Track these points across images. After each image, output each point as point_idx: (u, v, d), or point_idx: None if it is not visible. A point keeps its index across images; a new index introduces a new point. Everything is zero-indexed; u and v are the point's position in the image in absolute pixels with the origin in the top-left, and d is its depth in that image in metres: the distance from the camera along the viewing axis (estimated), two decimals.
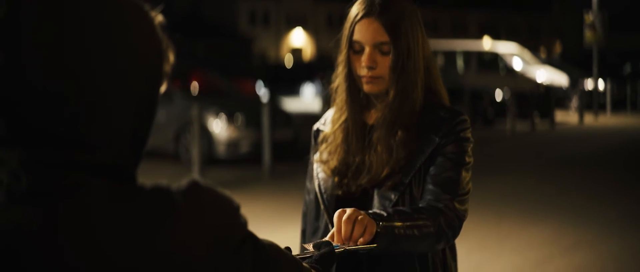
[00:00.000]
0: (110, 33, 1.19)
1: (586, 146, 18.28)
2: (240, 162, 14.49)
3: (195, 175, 11.79)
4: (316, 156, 2.67)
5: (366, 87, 2.53)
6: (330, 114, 2.70)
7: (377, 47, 2.49)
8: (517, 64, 28.19)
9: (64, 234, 1.15)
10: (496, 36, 63.35)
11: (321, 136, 2.68)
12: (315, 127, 2.75)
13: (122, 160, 1.21)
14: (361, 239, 2.21)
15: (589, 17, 28.44)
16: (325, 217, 2.59)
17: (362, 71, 2.51)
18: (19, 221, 1.16)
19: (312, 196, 2.67)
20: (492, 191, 11.85)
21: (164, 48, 1.27)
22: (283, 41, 65.57)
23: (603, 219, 9.92)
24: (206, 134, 14.09)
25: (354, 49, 2.52)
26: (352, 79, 2.54)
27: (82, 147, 1.17)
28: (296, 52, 64.01)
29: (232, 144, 14.36)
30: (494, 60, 28.49)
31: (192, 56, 32.69)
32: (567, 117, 26.45)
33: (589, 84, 29.29)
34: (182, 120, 13.94)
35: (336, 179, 2.57)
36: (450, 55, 29.31)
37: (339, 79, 2.59)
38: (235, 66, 25.43)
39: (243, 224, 1.29)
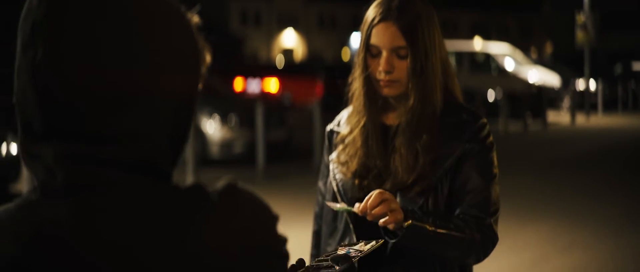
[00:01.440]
0: (150, 32, 1.19)
1: (579, 146, 18.33)
2: (234, 162, 14.46)
3: (189, 176, 11.77)
4: (332, 157, 2.67)
5: (384, 91, 2.53)
6: (344, 115, 2.70)
7: (394, 51, 2.49)
8: (509, 65, 28.25)
9: (94, 231, 1.14)
10: (487, 36, 63.43)
11: (338, 137, 2.67)
12: (329, 128, 2.74)
13: (157, 158, 1.19)
14: (382, 220, 2.32)
15: (581, 18, 28.50)
16: (345, 217, 2.58)
17: (380, 75, 2.51)
18: (51, 217, 1.15)
19: (329, 197, 2.65)
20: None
21: (200, 48, 1.26)
22: (274, 41, 65.57)
23: (599, 218, 9.95)
24: (200, 135, 14.07)
25: (371, 53, 2.53)
26: (369, 82, 2.54)
27: (117, 143, 1.16)
28: (287, 53, 64.01)
29: (225, 145, 14.34)
30: (486, 61, 28.54)
31: None
32: (559, 117, 26.52)
33: (580, 84, 29.36)
34: None
35: (356, 181, 2.57)
36: None
37: (356, 82, 2.59)
38: (227, 66, 25.43)
39: (283, 239, 1.25)
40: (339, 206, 2.45)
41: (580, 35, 28.48)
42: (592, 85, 29.49)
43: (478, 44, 33.03)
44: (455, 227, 2.44)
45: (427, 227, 2.38)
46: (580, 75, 29.89)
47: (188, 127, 1.25)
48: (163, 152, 1.20)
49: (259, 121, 12.93)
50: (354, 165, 2.56)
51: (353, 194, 2.55)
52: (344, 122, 2.69)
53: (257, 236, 1.20)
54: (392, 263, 2.50)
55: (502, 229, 8.79)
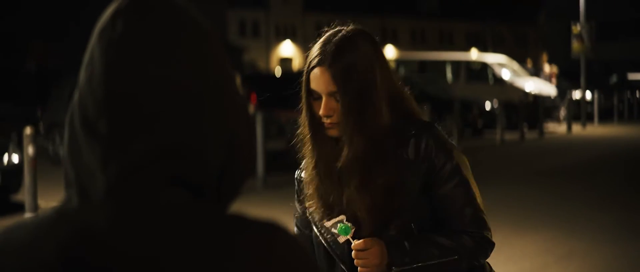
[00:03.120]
0: (211, 60, 1.25)
1: (575, 155, 18.38)
2: None
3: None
4: (298, 202, 2.70)
5: (329, 133, 2.52)
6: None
7: (332, 95, 2.48)
8: (506, 74, 28.31)
9: (130, 241, 1.17)
10: (483, 47, 63.46)
11: (302, 183, 2.67)
12: (296, 174, 2.73)
13: (205, 181, 1.22)
14: (361, 269, 2.45)
15: (577, 28, 28.58)
16: (340, 264, 2.58)
17: (322, 119, 2.50)
18: (90, 224, 1.18)
19: (320, 249, 2.63)
20: (485, 200, 11.89)
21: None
22: (273, 52, 65.61)
23: (596, 227, 9.98)
24: None
25: (313, 96, 2.52)
26: (316, 125, 2.53)
27: (167, 159, 1.19)
28: (285, 62, 64.03)
29: None
30: (483, 71, 28.60)
31: None
32: (556, 127, 26.57)
33: (576, 94, 29.44)
34: None
35: (325, 221, 2.57)
36: (439, 66, 29.41)
37: (302, 126, 2.58)
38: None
39: None
40: (338, 224, 2.49)
41: (575, 45, 28.56)
42: (588, 95, 29.56)
43: (474, 55, 33.08)
44: (444, 251, 2.48)
45: (414, 266, 2.44)
46: (577, 86, 29.94)
47: (243, 158, 1.27)
48: (211, 177, 1.22)
49: (258, 131, 12.99)
50: (315, 207, 2.57)
51: (334, 236, 2.56)
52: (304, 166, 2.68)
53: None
54: None
55: (500, 239, 8.79)
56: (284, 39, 66.37)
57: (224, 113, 1.24)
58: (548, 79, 30.41)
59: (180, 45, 1.22)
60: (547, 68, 31.77)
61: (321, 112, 2.48)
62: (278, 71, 44.57)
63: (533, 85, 28.12)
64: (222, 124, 1.23)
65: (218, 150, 1.23)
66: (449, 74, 28.79)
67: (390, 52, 67.04)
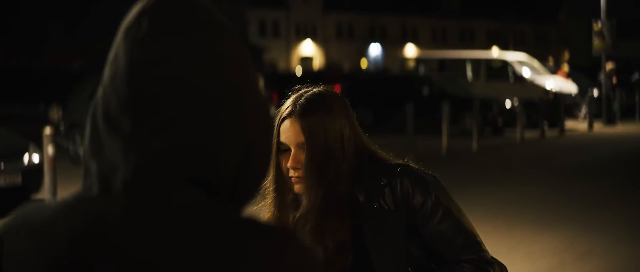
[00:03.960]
0: (223, 63, 1.26)
1: (596, 153, 18.30)
2: None
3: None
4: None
5: (296, 188, 2.51)
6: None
7: (301, 147, 2.49)
8: (526, 72, 28.22)
9: (142, 233, 1.19)
10: (504, 46, 63.31)
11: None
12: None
13: (221, 182, 1.24)
14: None
15: (598, 25, 28.45)
16: None
17: (289, 172, 2.49)
18: (104, 213, 1.21)
19: None
20: (503, 199, 11.89)
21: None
22: (293, 51, 65.69)
23: (616, 226, 9.94)
24: None
25: (281, 149, 2.51)
26: (281, 181, 2.53)
27: (186, 156, 1.22)
28: (306, 62, 64.09)
29: None
30: (503, 69, 28.51)
31: None
32: (576, 125, 26.46)
33: (597, 92, 29.28)
34: None
35: None
36: (459, 65, 29.35)
37: (267, 181, 2.56)
38: None
39: None
40: None
41: (596, 42, 28.41)
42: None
43: (495, 54, 33.00)
44: None
45: None
46: (598, 84, 29.79)
47: (259, 161, 1.28)
48: (226, 178, 1.24)
49: (275, 130, 13.01)
50: None
51: None
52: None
53: None
54: None
55: (519, 237, 8.78)
56: (304, 38, 66.42)
57: (242, 116, 1.26)
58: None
59: (203, 47, 1.25)
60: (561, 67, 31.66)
61: (289, 164, 2.48)
62: (299, 70, 44.69)
63: (553, 83, 28.01)
64: (240, 127, 1.25)
65: (235, 152, 1.25)
66: (469, 73, 28.72)
67: (410, 51, 67.00)
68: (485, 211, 10.60)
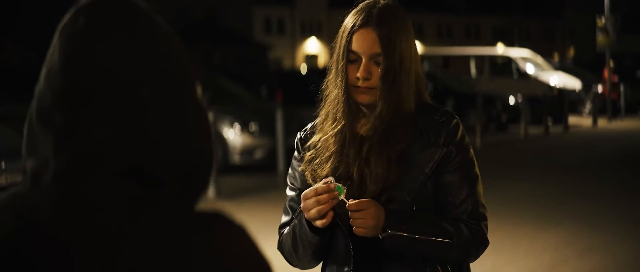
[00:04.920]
0: (159, 54, 1.28)
1: (600, 149, 18.27)
2: (255, 168, 14.57)
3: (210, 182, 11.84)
4: (302, 164, 2.65)
5: (360, 97, 2.54)
6: (315, 121, 2.69)
7: (373, 58, 2.51)
8: (530, 69, 28.18)
9: (73, 225, 1.19)
10: (510, 42, 63.18)
11: (308, 143, 2.65)
12: (300, 134, 2.72)
13: (157, 174, 1.24)
14: (354, 228, 2.44)
15: (601, 21, 28.39)
16: (346, 239, 2.56)
17: (358, 82, 2.52)
18: (35, 207, 1.21)
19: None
20: (506, 195, 11.87)
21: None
22: (298, 49, 65.68)
23: (619, 222, 9.92)
24: (221, 141, 14.20)
25: (350, 59, 2.53)
26: (348, 88, 2.55)
27: (119, 150, 1.22)
28: (311, 59, 64.08)
29: (246, 151, 14.46)
30: (507, 65, 28.48)
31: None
32: (581, 121, 26.42)
33: (602, 89, 29.21)
34: None
35: None
36: (463, 61, 29.33)
37: (334, 89, 2.58)
38: (252, 73, 25.47)
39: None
40: (335, 185, 2.46)
41: (600, 38, 28.35)
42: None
43: (500, 49, 32.96)
44: (440, 232, 2.49)
45: (404, 235, 2.44)
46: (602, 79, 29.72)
47: (200, 153, 1.29)
48: (165, 170, 1.25)
49: (279, 127, 13.02)
50: (325, 170, 2.55)
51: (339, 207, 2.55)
52: (315, 128, 2.67)
53: (251, 263, 1.25)
54: (388, 261, 2.55)
55: (522, 233, 8.76)
56: (310, 35, 66.39)
57: (182, 110, 1.27)
58: None
59: (139, 43, 1.26)
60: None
61: (360, 73, 2.50)
62: (304, 68, 44.68)
63: (558, 79, 27.97)
64: (179, 121, 1.26)
65: (175, 145, 1.25)
66: (473, 69, 28.70)
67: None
68: (489, 206, 10.52)
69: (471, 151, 2.61)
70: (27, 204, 1.22)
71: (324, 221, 2.45)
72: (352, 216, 2.44)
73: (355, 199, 2.45)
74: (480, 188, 2.61)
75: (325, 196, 2.43)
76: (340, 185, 2.46)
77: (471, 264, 2.70)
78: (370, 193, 2.50)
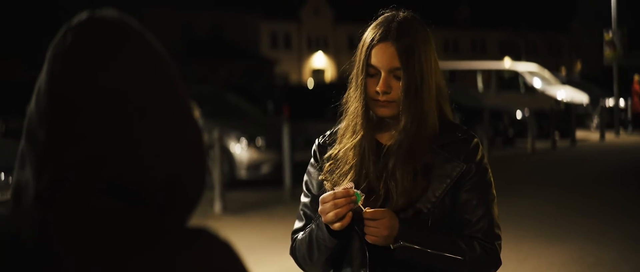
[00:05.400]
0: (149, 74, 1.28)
1: (607, 164, 18.22)
2: (262, 183, 14.57)
3: (217, 197, 11.85)
4: (321, 175, 2.66)
5: (380, 111, 2.56)
6: (336, 132, 2.71)
7: (392, 72, 2.53)
8: (537, 83, 28.16)
9: (46, 248, 1.19)
10: (516, 56, 63.15)
11: (327, 153, 2.67)
12: (319, 141, 2.74)
13: (143, 191, 1.24)
14: (366, 236, 2.47)
15: (608, 35, 28.38)
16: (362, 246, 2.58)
17: (377, 95, 2.54)
18: (16, 229, 1.21)
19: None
20: (513, 211, 11.83)
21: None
22: (305, 63, 65.77)
23: (626, 238, 9.88)
24: (227, 156, 14.21)
25: (369, 73, 2.55)
26: (367, 102, 2.57)
27: (101, 167, 1.22)
28: (318, 74, 64.16)
29: (253, 166, 14.46)
30: (514, 79, 28.46)
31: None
32: (588, 135, 26.37)
33: (610, 102, 29.19)
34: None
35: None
36: (470, 75, 29.32)
37: (354, 102, 2.60)
38: (258, 89, 25.51)
39: None
40: (355, 191, 2.49)
41: (608, 52, 28.35)
42: (622, 102, 29.29)
43: (507, 64, 32.95)
44: (452, 248, 2.50)
45: (416, 248, 2.46)
46: (610, 93, 29.69)
47: (191, 170, 1.29)
48: (151, 188, 1.25)
49: (285, 142, 13.03)
50: (345, 182, 2.56)
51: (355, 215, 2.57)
52: (334, 139, 2.69)
53: None
54: (402, 266, 2.55)
55: (527, 249, 8.74)
56: (316, 50, 66.51)
57: (170, 127, 1.26)
58: None
59: (125, 61, 1.26)
60: None
61: (379, 87, 2.52)
62: (310, 83, 44.70)
63: (565, 93, 27.95)
64: (167, 138, 1.26)
65: (162, 163, 1.25)
66: (480, 83, 28.68)
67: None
68: None
69: (489, 171, 2.64)
70: (8, 226, 1.23)
71: (341, 222, 2.47)
72: (367, 223, 2.46)
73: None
74: (496, 209, 2.63)
75: (343, 199, 2.45)
76: (358, 191, 2.48)
77: None
78: (398, 206, 2.52)
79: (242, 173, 14.51)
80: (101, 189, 1.22)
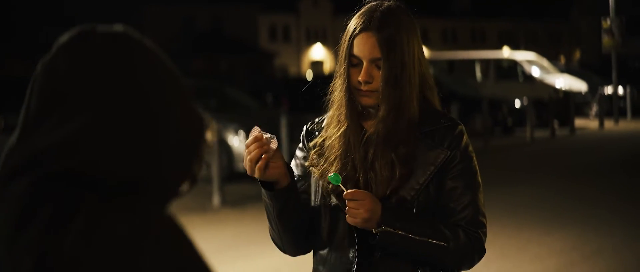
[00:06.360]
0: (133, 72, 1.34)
1: (607, 152, 18.23)
2: None
3: (215, 190, 11.86)
4: (307, 162, 2.67)
5: (363, 100, 2.56)
6: (322, 121, 2.72)
7: (373, 61, 2.52)
8: (536, 72, 28.14)
9: (20, 234, 1.24)
10: (515, 45, 63.15)
11: (314, 141, 2.67)
12: (307, 127, 2.75)
13: (105, 178, 1.28)
14: (347, 217, 2.46)
15: (606, 23, 28.36)
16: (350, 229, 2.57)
17: (360, 85, 2.54)
18: None
19: (327, 211, 2.63)
20: (512, 199, 11.85)
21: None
22: (303, 55, 65.73)
23: (625, 225, 9.88)
24: (226, 149, 14.20)
25: (352, 63, 2.55)
26: (351, 92, 2.57)
27: (67, 154, 1.26)
28: (316, 66, 64.12)
29: None
30: (512, 69, 28.44)
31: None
32: (587, 123, 26.37)
33: (608, 90, 29.19)
34: None
35: (331, 187, 2.58)
36: (468, 65, 29.29)
37: (338, 92, 2.61)
38: (257, 81, 25.56)
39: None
40: (334, 175, 2.50)
41: (606, 40, 28.33)
42: (620, 90, 29.29)
43: (505, 53, 32.93)
44: (436, 234, 2.49)
45: (400, 233, 2.45)
46: (609, 82, 29.68)
47: (169, 163, 1.34)
48: (124, 179, 1.29)
49: (284, 135, 13.01)
50: (332, 172, 2.56)
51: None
52: (321, 128, 2.69)
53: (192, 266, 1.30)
54: (379, 260, 2.54)
55: (527, 236, 8.70)
56: (315, 42, 66.45)
57: (143, 124, 1.31)
58: None
59: (111, 60, 1.32)
60: None
61: (361, 77, 2.53)
62: (309, 74, 44.67)
63: (563, 82, 27.93)
64: (138, 134, 1.31)
65: (127, 158, 1.29)
66: (478, 73, 28.66)
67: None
68: (495, 211, 10.55)
69: (474, 159, 2.62)
70: None
71: (258, 167, 2.48)
72: (348, 204, 2.46)
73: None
74: (481, 197, 2.60)
75: (253, 145, 2.49)
76: (337, 174, 2.49)
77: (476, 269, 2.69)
78: (378, 195, 2.51)
79: (241, 166, 14.47)
80: (58, 174, 1.26)
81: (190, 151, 1.36)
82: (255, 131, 2.51)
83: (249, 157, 2.49)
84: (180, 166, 1.34)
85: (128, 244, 1.23)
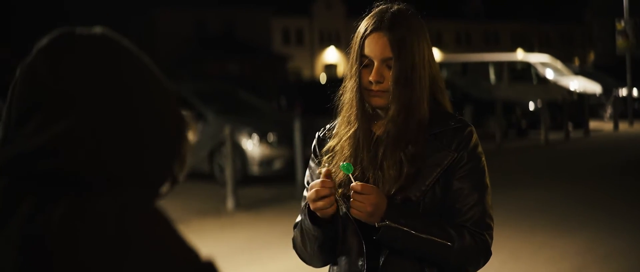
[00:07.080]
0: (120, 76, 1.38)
1: (621, 154, 18.15)
2: (274, 179, 14.58)
3: (229, 193, 11.87)
4: (319, 169, 2.68)
5: (373, 101, 2.57)
6: (334, 125, 2.73)
7: (384, 62, 2.54)
8: (550, 74, 28.05)
9: (10, 230, 1.27)
10: (529, 48, 62.96)
11: (326, 146, 2.69)
12: (319, 135, 2.76)
13: (84, 173, 1.30)
14: (351, 209, 2.48)
15: (621, 24, 28.26)
16: (355, 230, 2.59)
17: (370, 85, 2.55)
18: None
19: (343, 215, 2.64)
20: (526, 201, 11.82)
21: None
22: (317, 59, 65.73)
23: (638, 227, 9.85)
24: (239, 152, 14.22)
25: (363, 63, 2.57)
26: (361, 93, 2.58)
27: (52, 155, 1.29)
28: (330, 69, 64.13)
29: (265, 162, 14.47)
30: (526, 71, 28.35)
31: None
32: (602, 125, 26.26)
33: (623, 92, 29.06)
34: (216, 139, 14.08)
35: (340, 190, 2.59)
36: (482, 67, 29.22)
37: (348, 93, 2.62)
38: (271, 85, 25.54)
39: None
40: (341, 163, 2.53)
41: (620, 42, 28.23)
42: (635, 92, 29.17)
43: (519, 55, 32.82)
44: (440, 233, 2.49)
45: (403, 229, 2.45)
46: (623, 83, 29.56)
47: (151, 158, 1.38)
48: (94, 169, 1.31)
49: (297, 138, 13.02)
50: (340, 175, 2.58)
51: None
52: (332, 132, 2.71)
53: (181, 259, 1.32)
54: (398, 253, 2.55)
55: (541, 239, 8.66)
56: (328, 45, 66.45)
57: (124, 125, 1.34)
58: None
59: (89, 60, 1.35)
60: None
61: (372, 77, 2.54)
62: (323, 78, 44.64)
63: (577, 84, 27.83)
64: (115, 123, 1.33)
65: (109, 155, 1.32)
66: (492, 75, 28.60)
67: (434, 55, 66.77)
68: (508, 213, 10.54)
69: (483, 160, 2.62)
70: None
71: (322, 203, 2.48)
72: (353, 196, 2.47)
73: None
74: (489, 198, 2.60)
75: (323, 183, 2.48)
76: (350, 164, 2.51)
77: None
78: (386, 194, 2.52)
79: (255, 169, 14.52)
80: (36, 174, 1.28)
81: (171, 150, 1.38)
82: (331, 169, 2.53)
83: (316, 189, 2.49)
84: (161, 164, 1.37)
85: (112, 226, 1.25)
